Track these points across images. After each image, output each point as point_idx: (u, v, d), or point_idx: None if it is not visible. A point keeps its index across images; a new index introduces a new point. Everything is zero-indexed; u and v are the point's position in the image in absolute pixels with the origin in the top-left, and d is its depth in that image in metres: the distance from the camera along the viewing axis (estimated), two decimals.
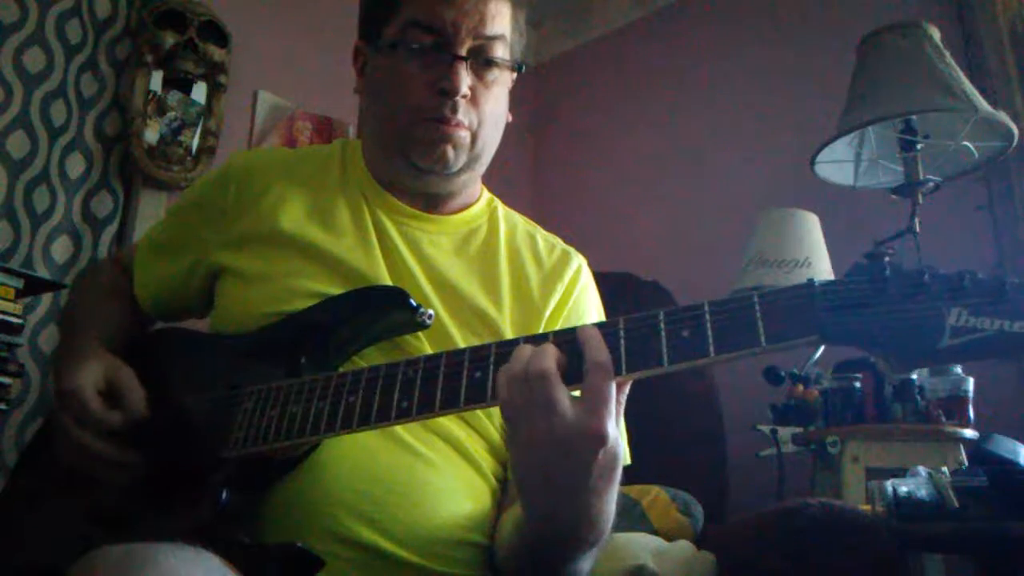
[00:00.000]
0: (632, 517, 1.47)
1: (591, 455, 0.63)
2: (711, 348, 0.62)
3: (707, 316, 0.63)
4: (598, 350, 0.64)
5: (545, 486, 0.66)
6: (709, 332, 0.63)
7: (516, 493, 0.88)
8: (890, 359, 0.60)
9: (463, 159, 0.96)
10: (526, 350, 0.66)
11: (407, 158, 0.96)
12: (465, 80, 0.92)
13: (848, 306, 0.59)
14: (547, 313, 0.97)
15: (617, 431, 0.65)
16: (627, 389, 0.69)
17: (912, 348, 0.58)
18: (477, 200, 1.06)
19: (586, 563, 0.75)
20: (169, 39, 2.23)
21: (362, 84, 1.03)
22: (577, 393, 0.65)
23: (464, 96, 0.92)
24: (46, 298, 1.97)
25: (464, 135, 0.94)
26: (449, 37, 0.92)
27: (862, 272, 0.61)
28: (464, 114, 0.93)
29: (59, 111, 2.06)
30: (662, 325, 0.65)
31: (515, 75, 1.01)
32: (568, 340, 0.67)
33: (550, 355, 0.64)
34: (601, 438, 0.63)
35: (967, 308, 0.56)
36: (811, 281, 0.62)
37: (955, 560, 1.68)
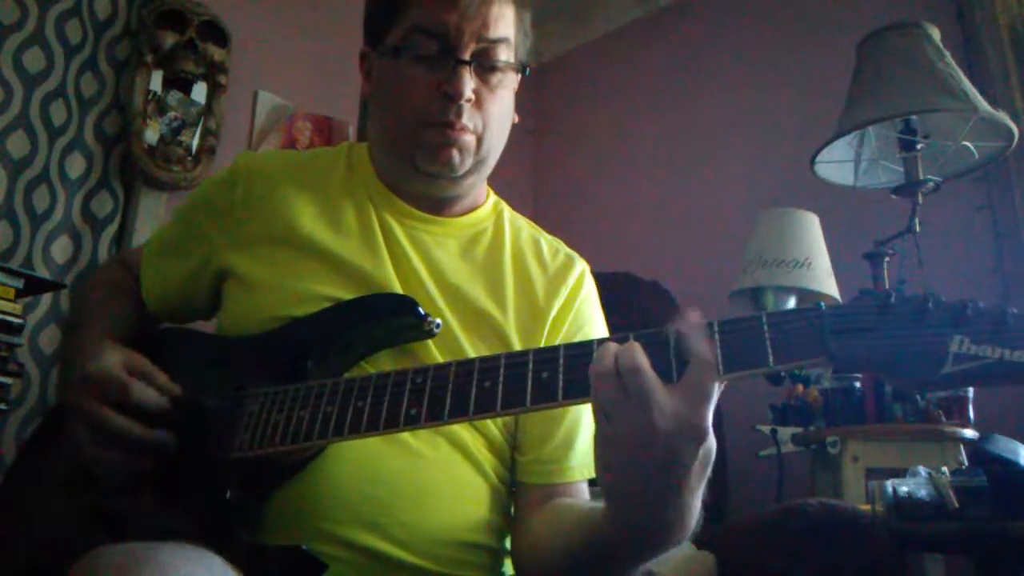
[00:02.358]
0: None
1: (691, 450, 0.63)
2: (720, 367, 0.63)
3: (716, 336, 0.64)
4: (702, 346, 0.63)
5: (640, 484, 0.65)
6: (719, 351, 0.63)
7: (538, 497, 0.89)
8: (893, 382, 0.61)
9: (469, 163, 0.95)
10: (611, 347, 0.65)
11: (413, 162, 0.96)
12: (469, 84, 0.92)
13: (854, 330, 0.61)
14: (551, 317, 0.97)
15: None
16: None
17: (915, 373, 0.59)
18: (483, 203, 1.06)
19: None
20: (169, 39, 2.23)
21: (369, 88, 1.03)
22: None
23: (468, 100, 0.92)
24: (46, 298, 1.97)
25: (469, 139, 0.94)
26: (452, 41, 0.92)
27: (869, 297, 0.62)
28: (469, 118, 0.93)
29: (59, 111, 2.06)
30: (671, 342, 0.65)
31: (520, 77, 1.01)
32: (587, 352, 0.67)
33: (640, 351, 0.64)
34: (703, 431, 0.62)
35: (969, 336, 0.57)
36: (819, 304, 0.63)
37: (955, 560, 1.68)
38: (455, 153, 0.94)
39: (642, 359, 0.63)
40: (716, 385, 0.63)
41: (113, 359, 0.86)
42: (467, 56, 0.92)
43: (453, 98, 0.91)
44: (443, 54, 0.92)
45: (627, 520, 0.70)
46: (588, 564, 0.79)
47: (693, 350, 0.63)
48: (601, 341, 0.68)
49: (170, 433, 0.85)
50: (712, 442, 0.64)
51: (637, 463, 0.64)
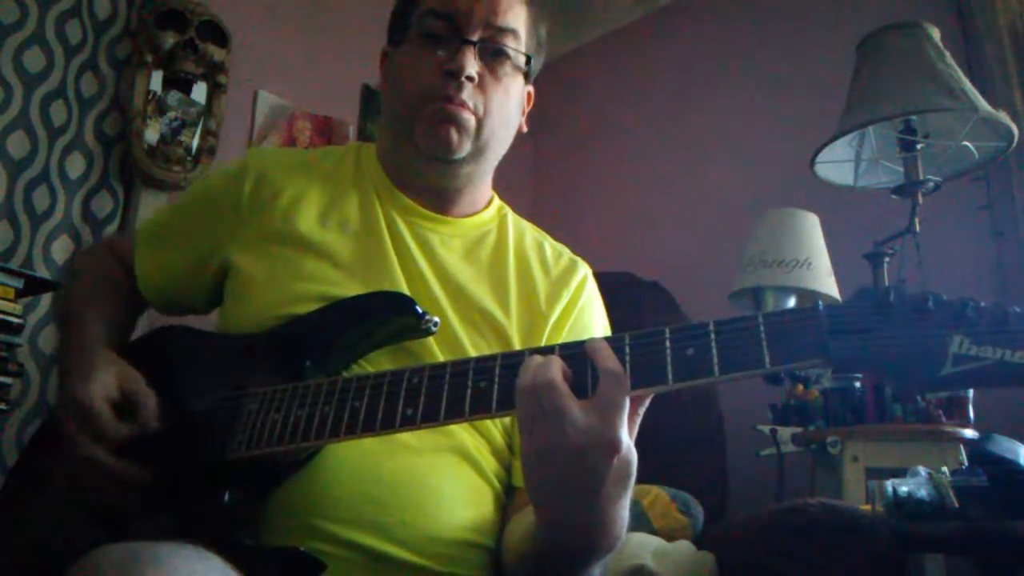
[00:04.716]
0: (632, 517, 1.47)
1: (605, 462, 0.63)
2: (716, 368, 0.62)
3: (712, 335, 0.63)
4: (610, 359, 0.64)
5: (560, 495, 0.66)
6: (714, 351, 0.63)
7: (525, 500, 0.88)
8: (892, 383, 0.60)
9: (467, 145, 0.96)
10: (533, 361, 0.65)
11: (413, 141, 0.97)
12: (472, 63, 0.94)
13: (852, 331, 0.60)
14: (552, 320, 0.97)
15: (630, 439, 0.65)
16: (647, 402, 0.69)
17: (914, 374, 0.58)
18: (488, 205, 1.07)
19: (598, 568, 0.75)
20: (169, 39, 2.23)
21: (383, 83, 1.05)
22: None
23: (471, 79, 0.94)
24: (46, 298, 1.97)
25: (468, 118, 0.95)
26: (460, 22, 0.95)
27: (867, 297, 0.61)
28: (469, 97, 0.94)
29: (59, 111, 2.06)
30: (667, 342, 0.65)
31: (528, 84, 1.02)
32: (576, 352, 0.67)
33: (556, 365, 0.64)
34: (614, 445, 0.62)
35: (969, 336, 0.56)
36: (816, 304, 0.62)
37: (955, 560, 1.68)
38: (453, 131, 0.94)
39: (555, 374, 0.63)
40: (627, 397, 0.63)
41: (97, 385, 0.86)
42: (473, 38, 0.95)
43: (455, 75, 0.93)
44: (450, 34, 0.95)
45: (551, 529, 0.71)
46: (532, 568, 0.80)
47: (601, 364, 0.64)
48: (534, 351, 0.68)
49: (160, 439, 0.85)
50: (630, 453, 0.65)
51: (554, 476, 0.65)
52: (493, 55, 0.96)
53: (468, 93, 0.94)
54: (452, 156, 0.96)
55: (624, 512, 0.69)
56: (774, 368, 0.61)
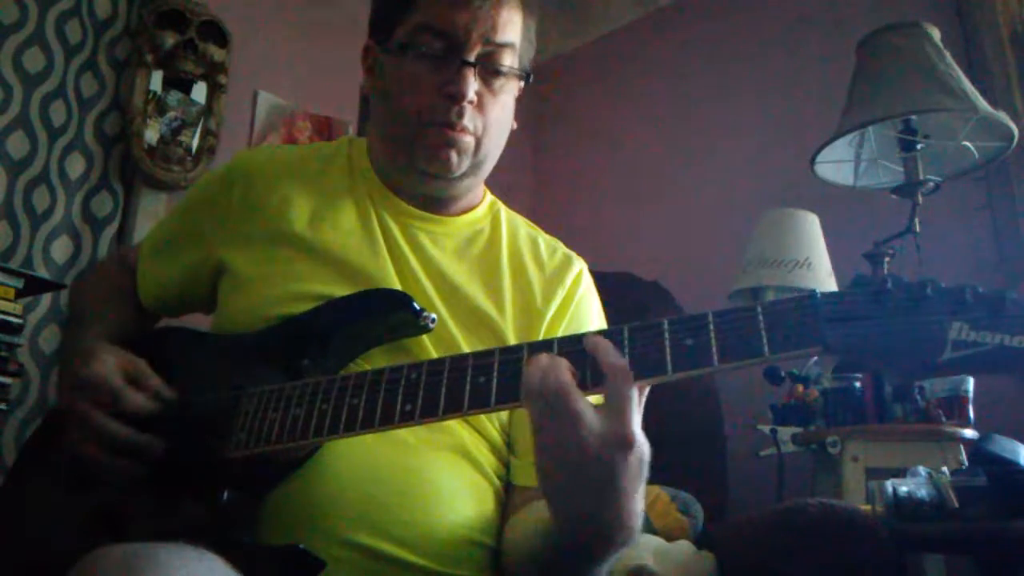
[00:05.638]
0: None
1: (622, 459, 0.63)
2: (715, 357, 0.62)
3: (711, 326, 0.64)
4: (613, 355, 0.64)
5: (576, 493, 0.66)
6: (713, 341, 0.63)
7: (524, 499, 0.88)
8: (891, 370, 0.60)
9: (466, 164, 0.96)
10: (540, 362, 0.65)
11: (411, 161, 0.96)
12: (472, 86, 0.92)
13: (851, 318, 0.60)
14: (548, 317, 0.97)
15: (642, 432, 0.65)
16: (646, 392, 0.69)
17: (913, 361, 0.59)
18: (480, 203, 1.06)
19: (606, 565, 0.76)
20: (169, 39, 2.24)
21: (370, 83, 1.03)
22: (593, 399, 0.65)
23: (471, 102, 0.92)
24: (46, 298, 1.97)
25: (468, 140, 0.94)
26: (460, 42, 0.92)
27: (865, 284, 0.61)
28: (470, 120, 0.93)
29: (59, 111, 2.06)
30: (666, 334, 0.65)
31: (522, 84, 1.01)
32: (575, 348, 0.67)
33: (564, 368, 0.64)
34: (630, 441, 0.63)
35: (968, 322, 0.57)
36: (814, 292, 0.62)
37: (955, 560, 1.68)
38: (453, 154, 0.94)
39: (566, 377, 0.63)
40: (635, 391, 0.63)
41: (107, 362, 0.87)
42: (472, 58, 0.92)
43: (456, 99, 0.91)
44: (449, 54, 0.92)
45: (567, 524, 0.71)
46: (546, 567, 0.79)
47: (605, 361, 0.64)
48: (531, 346, 0.68)
49: (160, 436, 0.85)
50: (644, 447, 0.65)
51: (569, 472, 0.64)
52: (491, 72, 0.94)
53: (468, 116, 0.92)
54: (451, 176, 0.96)
55: (639, 505, 0.69)
56: (773, 356, 0.61)
